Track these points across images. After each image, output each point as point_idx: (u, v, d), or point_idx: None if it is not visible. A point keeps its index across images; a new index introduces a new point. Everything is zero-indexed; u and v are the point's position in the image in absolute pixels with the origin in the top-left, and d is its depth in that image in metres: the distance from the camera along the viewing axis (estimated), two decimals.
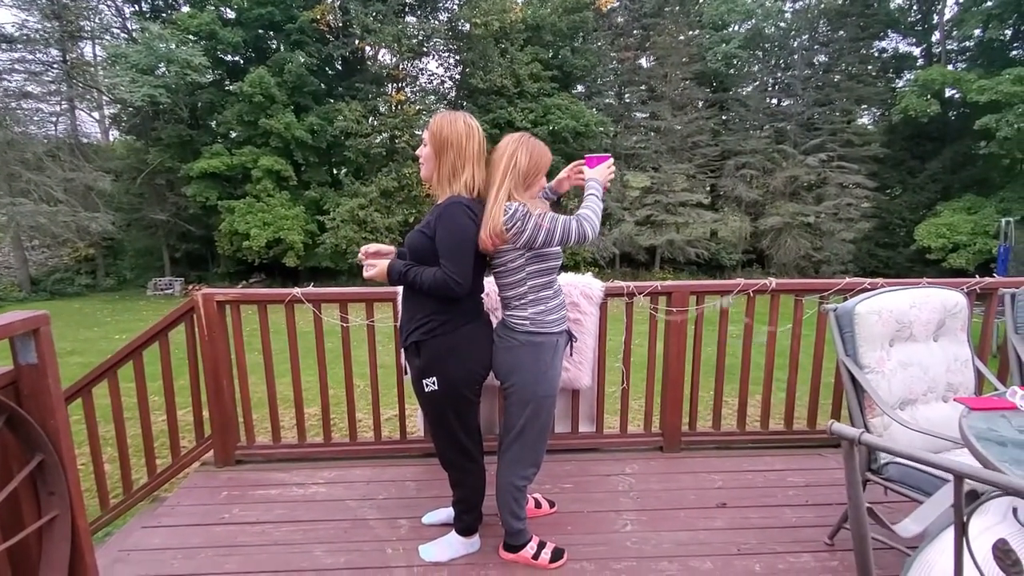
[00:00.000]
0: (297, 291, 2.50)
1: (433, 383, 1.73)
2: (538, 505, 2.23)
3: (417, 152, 1.82)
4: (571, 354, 2.08)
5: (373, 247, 1.89)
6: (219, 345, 2.53)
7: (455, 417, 1.79)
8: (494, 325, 1.88)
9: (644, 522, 2.17)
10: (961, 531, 0.83)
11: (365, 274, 1.79)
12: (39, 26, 15.84)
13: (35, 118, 16.94)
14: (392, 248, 1.91)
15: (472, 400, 1.81)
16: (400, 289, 2.33)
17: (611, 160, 1.87)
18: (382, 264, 1.77)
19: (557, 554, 1.94)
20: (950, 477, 1.43)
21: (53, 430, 1.36)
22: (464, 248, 1.65)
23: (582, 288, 2.49)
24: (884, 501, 2.11)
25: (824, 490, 2.40)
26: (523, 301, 1.75)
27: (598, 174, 1.83)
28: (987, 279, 2.62)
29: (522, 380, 1.77)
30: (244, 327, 2.62)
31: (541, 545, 1.95)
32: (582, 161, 1.90)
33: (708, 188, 20.89)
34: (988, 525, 1.10)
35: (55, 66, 16.58)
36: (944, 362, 1.97)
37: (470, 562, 1.94)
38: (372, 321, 2.59)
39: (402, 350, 1.89)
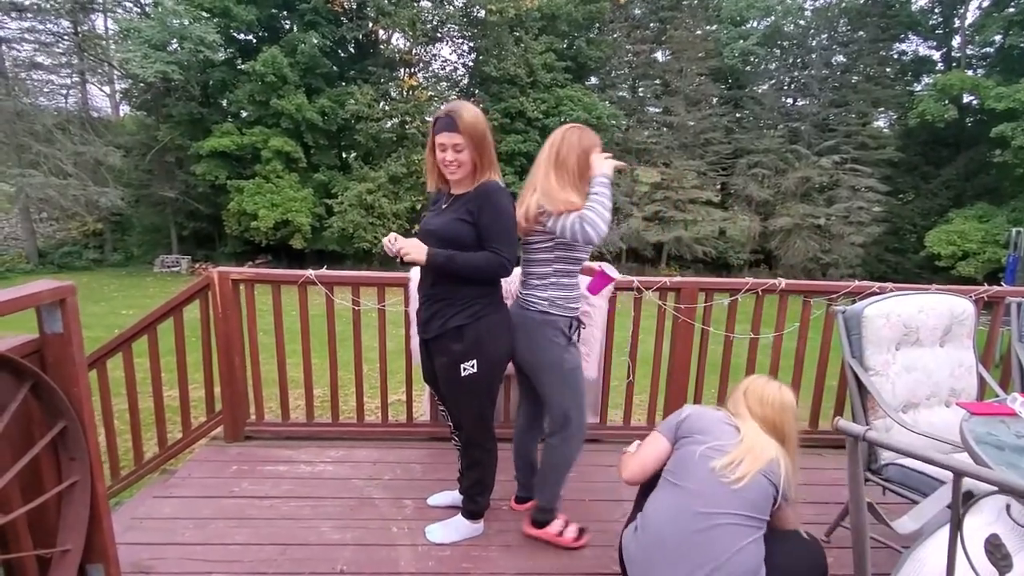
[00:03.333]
0: (311, 273, 2.53)
1: (473, 366, 1.74)
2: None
3: (453, 159, 1.69)
4: (578, 340, 2.12)
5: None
6: (232, 323, 2.58)
7: (487, 398, 1.84)
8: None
9: None
10: (957, 526, 0.86)
11: (405, 258, 1.68)
12: None
13: (45, 90, 16.96)
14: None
15: (501, 380, 1.89)
16: (414, 275, 2.35)
17: (616, 164, 1.86)
18: (421, 247, 1.68)
19: (582, 531, 2.03)
20: (948, 480, 1.45)
21: (76, 398, 1.40)
22: (514, 231, 1.73)
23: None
24: (882, 502, 2.13)
25: (822, 489, 2.43)
26: (545, 282, 1.81)
27: (607, 168, 1.79)
28: (995, 288, 2.63)
29: (547, 357, 1.84)
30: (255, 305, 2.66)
31: (567, 523, 2.02)
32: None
33: (719, 186, 20.77)
34: (982, 524, 1.13)
35: (66, 38, 16.54)
36: (948, 367, 2.00)
37: (473, 543, 1.99)
38: (384, 305, 2.63)
39: (420, 338, 1.90)
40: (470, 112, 1.69)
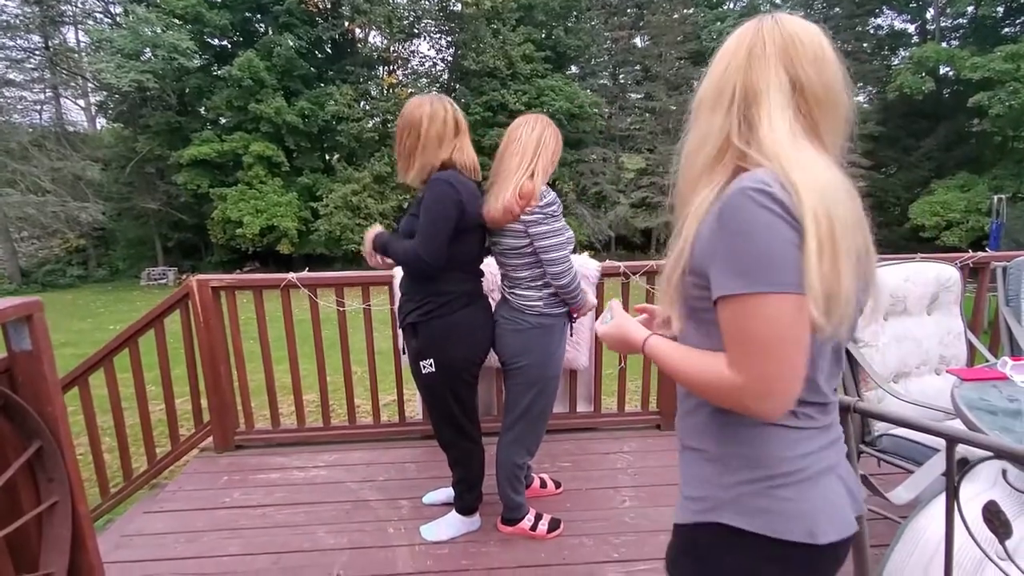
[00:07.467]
0: (292, 276, 2.49)
1: (430, 365, 1.72)
2: (543, 485, 2.26)
3: None
4: (571, 335, 2.09)
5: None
6: (215, 331, 2.53)
7: (453, 399, 1.79)
8: (493, 307, 1.88)
9: (642, 498, 2.20)
10: (952, 494, 0.85)
11: (362, 249, 1.85)
12: (19, 11, 15.47)
13: (18, 106, 16.63)
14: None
15: (470, 382, 1.82)
16: (398, 271, 2.33)
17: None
18: (370, 233, 1.80)
19: (554, 524, 1.99)
20: (942, 448, 1.44)
21: (50, 417, 1.35)
22: (438, 225, 1.61)
23: (578, 269, 2.47)
24: (877, 473, 2.14)
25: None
26: (537, 283, 1.75)
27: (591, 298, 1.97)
28: (980, 254, 2.63)
29: (531, 361, 1.78)
30: (240, 314, 2.61)
31: (538, 517, 1.99)
32: None
33: None
34: (979, 491, 1.12)
35: (37, 53, 16.24)
36: (937, 335, 1.99)
37: (471, 540, 1.97)
38: (369, 305, 2.59)
39: (400, 331, 1.89)
40: (412, 101, 1.70)
